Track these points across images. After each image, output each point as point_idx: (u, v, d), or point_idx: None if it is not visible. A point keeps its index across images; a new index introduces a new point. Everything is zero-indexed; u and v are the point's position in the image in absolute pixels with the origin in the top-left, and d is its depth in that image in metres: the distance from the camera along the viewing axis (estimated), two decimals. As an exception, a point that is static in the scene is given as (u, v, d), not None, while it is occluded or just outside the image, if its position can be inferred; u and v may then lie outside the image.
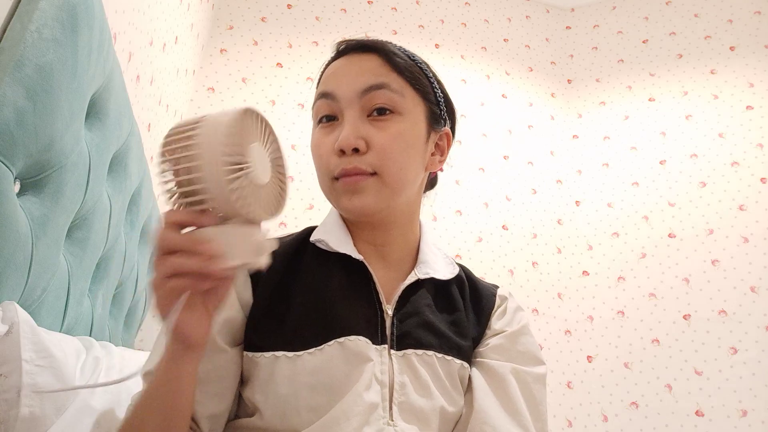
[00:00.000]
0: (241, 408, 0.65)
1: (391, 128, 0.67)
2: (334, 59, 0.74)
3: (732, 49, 2.48)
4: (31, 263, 0.76)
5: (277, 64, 2.40)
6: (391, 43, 0.73)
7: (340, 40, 0.75)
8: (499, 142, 2.55)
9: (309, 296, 0.65)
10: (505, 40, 2.78)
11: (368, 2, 2.66)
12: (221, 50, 2.37)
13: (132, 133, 1.19)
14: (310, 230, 0.75)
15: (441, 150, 0.76)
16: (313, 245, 0.72)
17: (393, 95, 0.68)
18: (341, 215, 0.74)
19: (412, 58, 0.73)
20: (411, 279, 0.70)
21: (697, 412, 1.97)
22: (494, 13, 2.83)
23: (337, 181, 0.67)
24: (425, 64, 0.75)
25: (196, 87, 2.28)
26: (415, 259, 0.74)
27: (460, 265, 0.79)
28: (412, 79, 0.70)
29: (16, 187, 0.74)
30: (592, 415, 2.11)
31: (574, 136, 2.64)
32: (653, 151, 2.44)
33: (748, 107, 2.35)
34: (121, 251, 1.23)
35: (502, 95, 2.65)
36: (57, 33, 0.75)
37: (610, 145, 2.54)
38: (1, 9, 0.71)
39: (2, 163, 0.67)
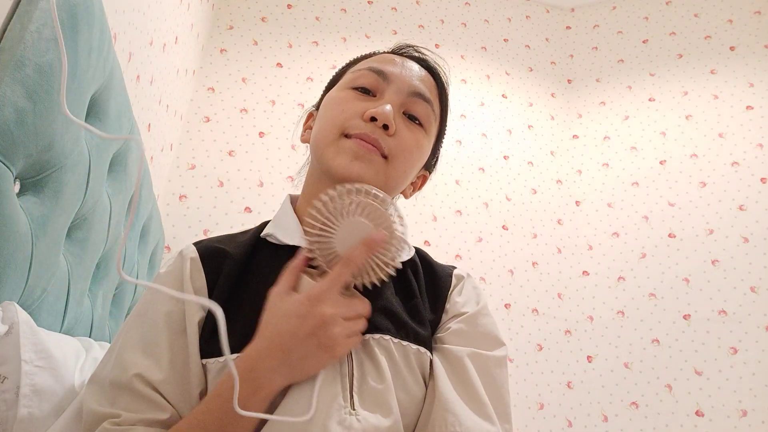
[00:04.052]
0: None
1: (418, 137, 0.71)
2: (393, 53, 0.77)
3: (732, 49, 2.48)
4: (31, 263, 0.76)
5: (277, 64, 2.40)
6: (440, 63, 0.78)
7: (407, 44, 0.79)
8: (499, 142, 2.55)
9: (259, 297, 0.63)
10: (505, 40, 2.78)
11: (368, 2, 2.66)
12: (221, 50, 2.37)
13: (132, 133, 1.19)
14: (263, 226, 0.74)
15: (414, 186, 0.81)
16: (265, 240, 0.70)
17: (430, 115, 0.72)
18: (293, 206, 0.74)
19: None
20: None
21: (697, 412, 1.97)
22: (494, 13, 2.83)
23: (348, 139, 0.67)
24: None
25: (196, 87, 2.28)
26: None
27: (417, 249, 0.79)
28: (443, 114, 0.77)
29: (16, 187, 0.74)
30: (592, 415, 2.11)
31: (574, 136, 2.64)
32: (653, 151, 2.44)
33: (748, 107, 2.34)
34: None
35: (502, 95, 2.65)
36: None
37: (610, 145, 2.54)
38: (1, 9, 0.71)
39: (2, 163, 0.67)
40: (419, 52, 0.78)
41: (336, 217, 0.61)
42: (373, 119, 0.66)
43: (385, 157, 0.67)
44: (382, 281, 0.64)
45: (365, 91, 0.70)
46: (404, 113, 0.71)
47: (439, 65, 0.77)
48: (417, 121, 0.71)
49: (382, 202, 0.62)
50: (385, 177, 0.67)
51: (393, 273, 0.64)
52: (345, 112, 0.68)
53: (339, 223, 0.61)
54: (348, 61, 0.80)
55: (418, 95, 0.71)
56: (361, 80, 0.71)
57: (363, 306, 0.60)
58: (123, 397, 0.57)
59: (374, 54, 0.78)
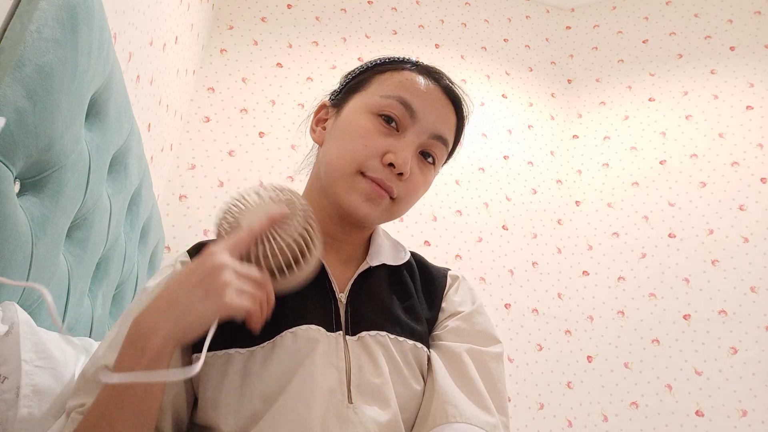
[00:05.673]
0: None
1: (428, 176, 0.75)
2: (421, 74, 0.76)
3: (732, 49, 2.48)
4: (31, 263, 0.76)
5: (277, 64, 2.40)
6: (465, 97, 0.79)
7: (432, 67, 0.78)
8: (499, 142, 2.55)
9: None
10: (505, 40, 2.78)
11: (368, 2, 2.66)
12: (221, 50, 2.37)
13: (132, 133, 1.19)
14: None
15: None
16: None
17: (443, 155, 0.76)
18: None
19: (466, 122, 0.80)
20: (363, 267, 0.73)
21: (697, 412, 1.97)
22: (494, 13, 2.83)
23: (363, 178, 0.69)
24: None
25: (196, 87, 2.28)
26: (367, 248, 0.78)
27: (413, 252, 0.82)
28: (455, 145, 0.80)
29: (16, 187, 0.74)
30: (592, 415, 2.11)
31: (574, 136, 2.64)
32: (653, 151, 2.44)
33: (748, 107, 2.34)
34: (121, 251, 1.23)
35: (502, 95, 2.65)
36: (57, 33, 0.75)
37: (610, 145, 2.54)
38: (1, 9, 0.71)
39: (2, 163, 0.67)
40: (450, 80, 0.78)
41: (251, 205, 0.63)
42: (391, 166, 0.69)
43: (393, 198, 0.71)
44: (288, 264, 0.60)
45: (389, 120, 0.71)
46: (421, 152, 0.73)
47: (464, 99, 0.78)
48: (430, 158, 0.74)
49: (297, 197, 0.64)
50: (388, 215, 0.72)
51: (295, 251, 0.60)
52: (367, 148, 0.69)
53: (252, 206, 0.63)
54: (376, 62, 0.79)
55: (439, 138, 0.73)
56: (388, 110, 0.72)
57: (261, 276, 0.57)
58: (89, 388, 0.58)
59: (404, 63, 0.77)
